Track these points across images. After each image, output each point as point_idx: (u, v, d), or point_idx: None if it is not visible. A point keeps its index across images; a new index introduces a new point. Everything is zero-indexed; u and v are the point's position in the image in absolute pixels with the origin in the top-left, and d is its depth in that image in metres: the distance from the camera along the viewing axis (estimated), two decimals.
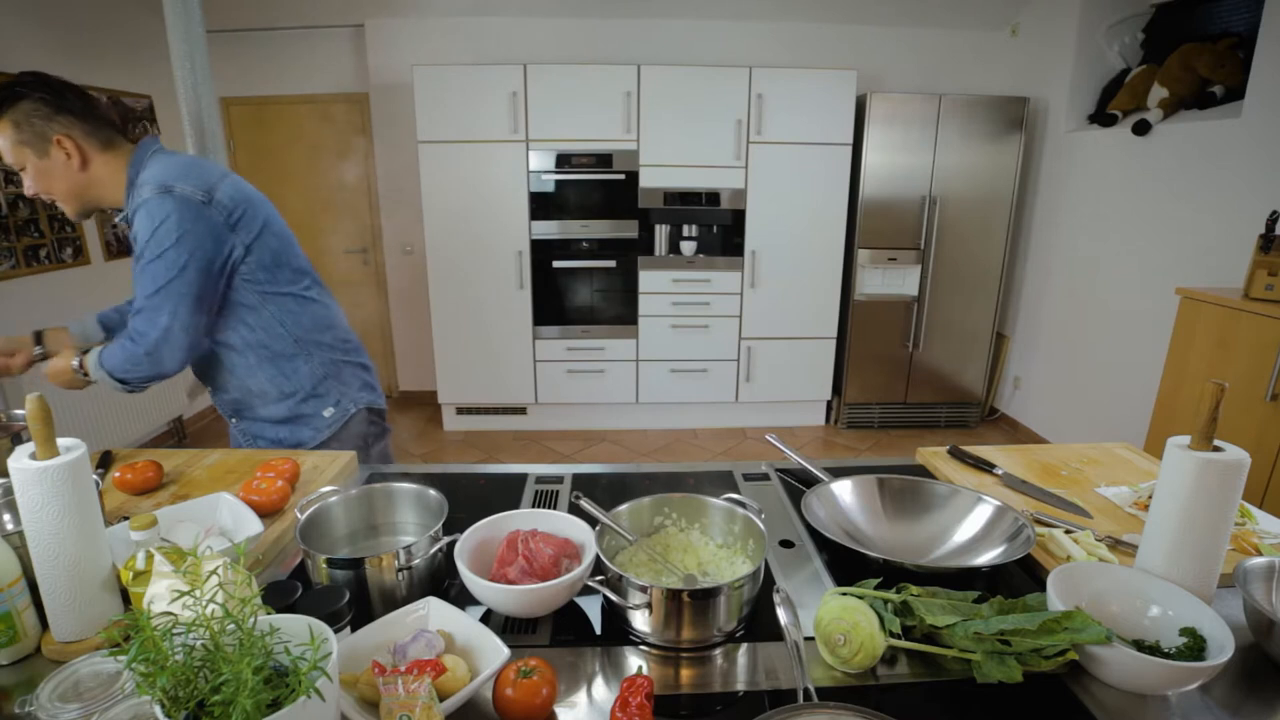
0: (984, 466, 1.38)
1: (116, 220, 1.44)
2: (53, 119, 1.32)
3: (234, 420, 1.61)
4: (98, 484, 0.98)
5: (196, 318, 1.36)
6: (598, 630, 0.95)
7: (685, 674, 0.87)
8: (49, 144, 1.32)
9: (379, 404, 1.68)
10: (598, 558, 0.94)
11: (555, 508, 1.23)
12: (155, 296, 1.32)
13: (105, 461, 1.40)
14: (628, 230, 3.88)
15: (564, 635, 0.93)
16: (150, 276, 1.32)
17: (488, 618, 0.96)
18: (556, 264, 3.92)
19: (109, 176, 1.39)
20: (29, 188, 1.37)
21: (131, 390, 1.42)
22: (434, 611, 0.90)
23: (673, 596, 0.87)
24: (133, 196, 1.37)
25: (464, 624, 0.88)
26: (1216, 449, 0.90)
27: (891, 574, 0.97)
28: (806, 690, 0.77)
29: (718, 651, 0.91)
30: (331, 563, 0.93)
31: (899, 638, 0.85)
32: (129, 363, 1.37)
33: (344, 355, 1.61)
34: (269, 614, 0.66)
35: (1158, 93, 3.15)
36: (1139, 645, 0.85)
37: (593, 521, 1.02)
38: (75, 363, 1.40)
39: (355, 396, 1.62)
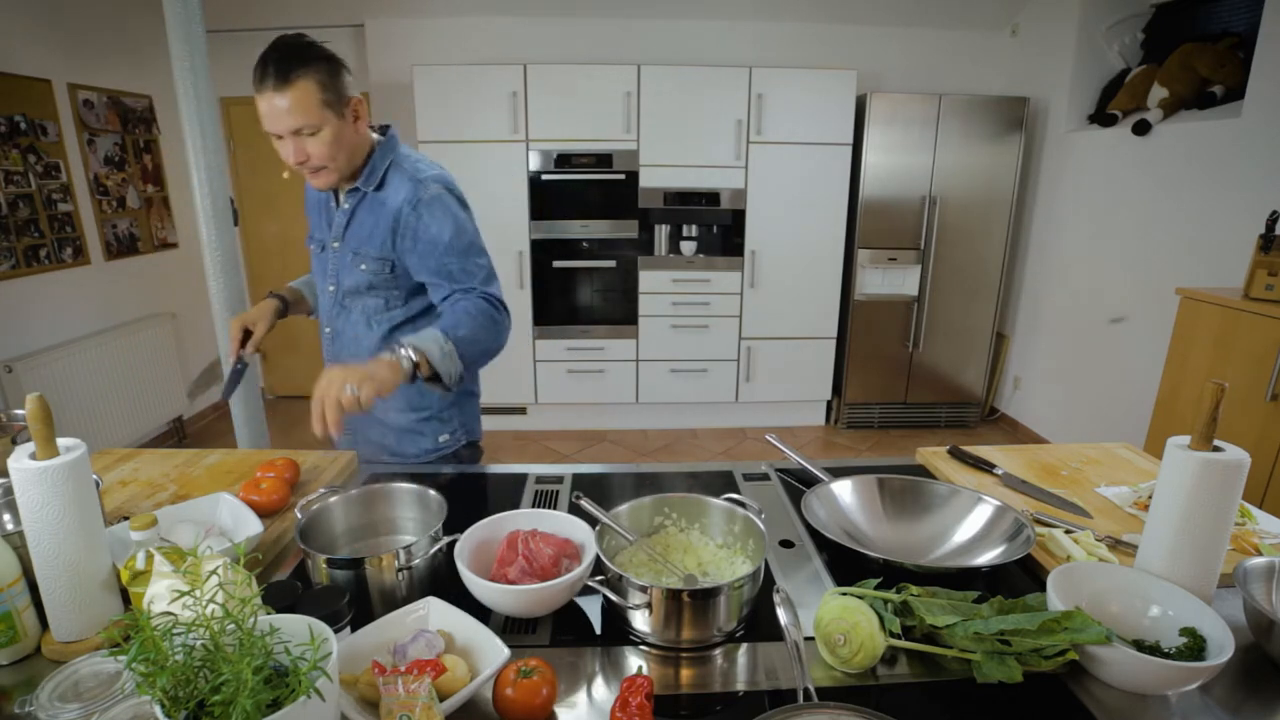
0: (984, 466, 1.38)
1: (346, 190, 1.37)
2: (344, 77, 1.26)
3: None
4: (98, 484, 0.98)
5: None
6: (598, 630, 0.95)
7: (685, 674, 0.87)
8: (346, 106, 1.27)
9: (480, 436, 1.61)
10: (598, 558, 0.95)
11: (555, 508, 1.22)
12: (493, 278, 1.42)
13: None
14: (628, 230, 3.88)
15: (564, 635, 0.94)
16: (477, 262, 1.39)
17: (488, 618, 0.95)
18: (556, 264, 3.91)
19: (360, 146, 1.35)
20: (310, 152, 1.26)
21: (448, 386, 1.25)
22: (434, 611, 0.90)
23: (673, 596, 0.87)
24: (393, 182, 1.36)
25: (464, 624, 0.88)
26: (1216, 449, 0.90)
27: (891, 574, 0.97)
28: (806, 690, 0.77)
29: (718, 651, 0.91)
30: (331, 563, 0.93)
31: (899, 638, 0.85)
32: (489, 327, 1.30)
33: (472, 383, 1.56)
34: (269, 614, 0.66)
35: (1158, 93, 3.14)
36: (1139, 645, 0.85)
37: (593, 521, 1.02)
38: (409, 354, 1.16)
39: (471, 427, 1.56)
